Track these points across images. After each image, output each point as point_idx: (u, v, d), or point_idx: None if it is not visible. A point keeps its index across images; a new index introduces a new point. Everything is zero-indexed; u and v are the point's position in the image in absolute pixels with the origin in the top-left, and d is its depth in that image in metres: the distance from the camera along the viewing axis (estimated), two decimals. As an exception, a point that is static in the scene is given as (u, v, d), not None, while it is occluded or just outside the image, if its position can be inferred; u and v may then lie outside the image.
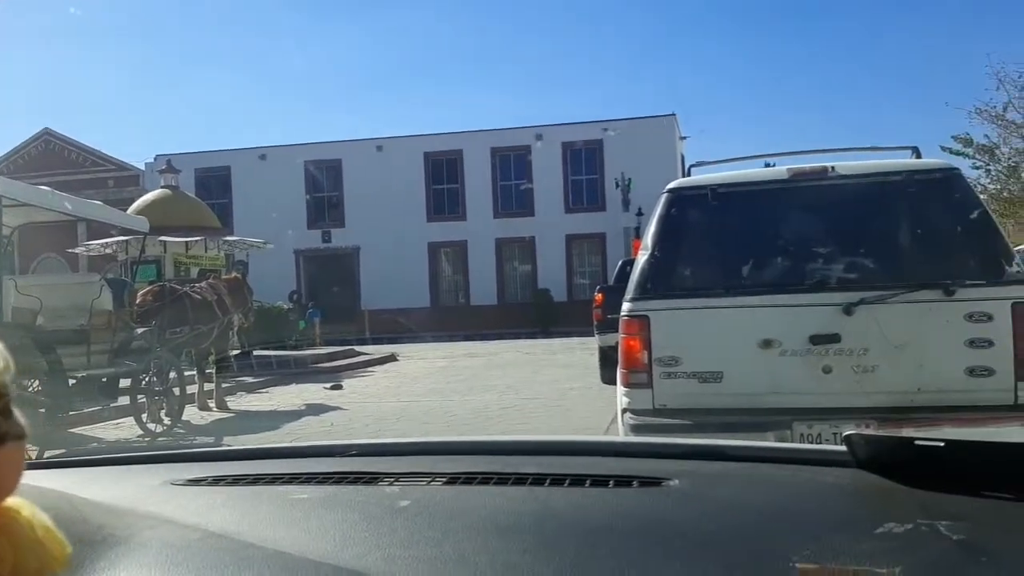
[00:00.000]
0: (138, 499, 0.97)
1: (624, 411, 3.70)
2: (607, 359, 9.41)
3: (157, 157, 26.63)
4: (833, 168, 3.75)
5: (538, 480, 1.05)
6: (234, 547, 0.78)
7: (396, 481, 1.07)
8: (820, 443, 3.24)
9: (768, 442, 1.85)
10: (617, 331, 3.88)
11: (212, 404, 9.99)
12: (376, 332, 25.75)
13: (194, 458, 1.39)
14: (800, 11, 52.37)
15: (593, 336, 10.84)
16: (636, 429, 3.56)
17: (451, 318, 27.24)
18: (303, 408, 9.99)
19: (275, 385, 12.90)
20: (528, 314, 26.73)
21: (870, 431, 1.15)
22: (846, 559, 0.76)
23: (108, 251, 15.99)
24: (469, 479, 1.06)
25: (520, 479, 1.05)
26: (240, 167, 30.64)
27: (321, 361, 16.35)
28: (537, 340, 20.10)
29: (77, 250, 16.72)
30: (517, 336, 21.41)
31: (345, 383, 12.49)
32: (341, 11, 59.55)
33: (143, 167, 29.75)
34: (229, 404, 10.29)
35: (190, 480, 1.11)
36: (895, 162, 3.96)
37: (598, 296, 10.38)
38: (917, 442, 0.99)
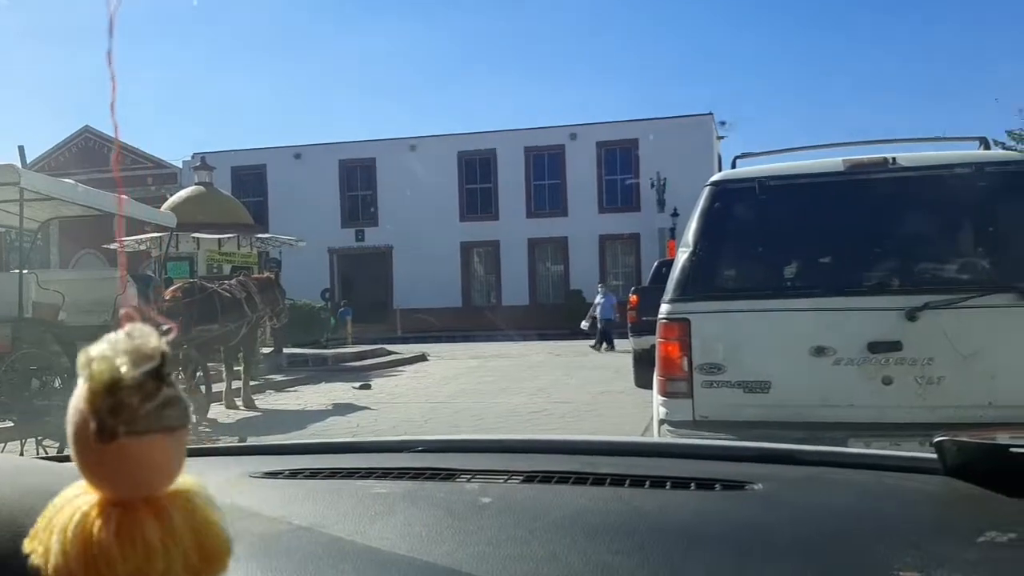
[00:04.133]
0: (220, 491, 0.89)
1: (661, 422, 3.43)
2: (641, 362, 9.15)
3: (194, 155, 26.88)
4: (894, 159, 3.43)
5: (617, 480, 1.04)
6: (325, 540, 0.77)
7: (474, 478, 1.07)
8: None
9: (847, 448, 1.72)
10: (653, 333, 3.61)
11: (239, 402, 9.89)
12: (407, 331, 25.69)
13: (264, 451, 1.42)
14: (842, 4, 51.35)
15: (626, 338, 10.58)
16: None
17: (482, 318, 27.04)
18: (330, 408, 9.85)
19: (304, 384, 12.80)
20: (560, 315, 26.44)
21: (962, 437, 1.05)
22: (951, 567, 0.75)
23: (143, 248, 16.10)
24: (547, 477, 1.06)
25: (599, 479, 1.05)
26: (275, 165, 30.83)
27: (351, 360, 16.26)
28: (569, 341, 19.79)
29: (112, 246, 16.85)
30: (548, 337, 21.13)
31: (374, 383, 12.35)
32: (373, 11, 59.89)
33: (181, 165, 30.07)
34: (257, 402, 10.20)
35: (267, 473, 1.11)
36: (963, 153, 3.63)
37: (633, 298, 10.10)
38: (1012, 449, 0.97)
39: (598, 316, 18.64)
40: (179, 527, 0.34)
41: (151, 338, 0.34)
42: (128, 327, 0.34)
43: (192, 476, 0.37)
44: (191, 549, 0.34)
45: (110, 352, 0.33)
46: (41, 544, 0.34)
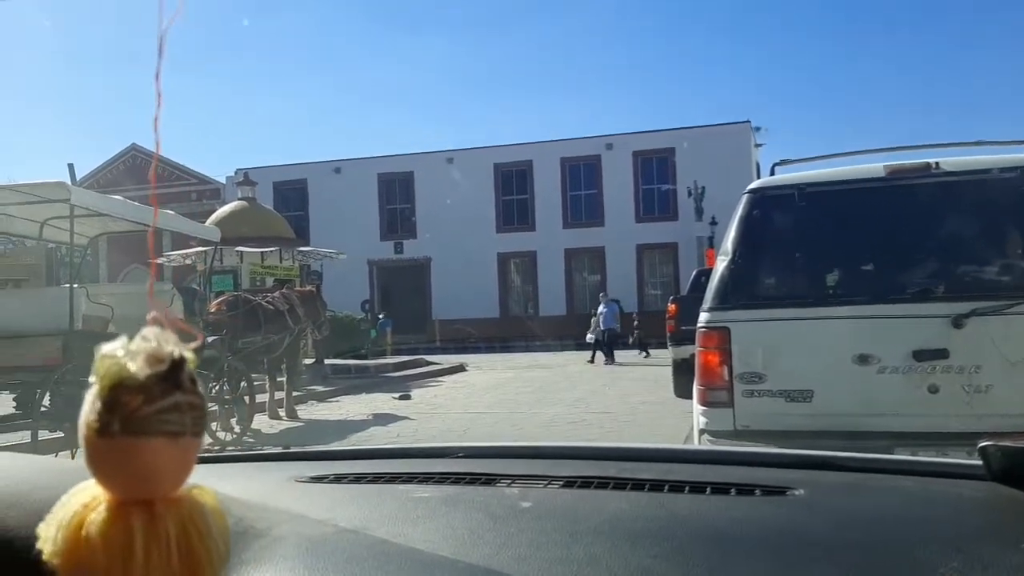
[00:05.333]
0: (268, 495, 0.98)
1: (702, 432, 3.39)
2: (680, 371, 9.06)
3: (237, 171, 27.42)
4: (937, 164, 3.37)
5: (656, 486, 1.04)
6: (369, 542, 0.78)
7: (513, 483, 1.08)
8: None
9: (890, 455, 1.70)
10: (692, 342, 3.58)
11: (282, 413, 10.03)
12: (446, 342, 25.82)
13: (309, 457, 1.44)
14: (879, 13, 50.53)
15: (665, 348, 10.49)
16: None
17: (520, 328, 27.07)
18: (370, 418, 9.94)
19: (345, 394, 12.94)
20: (599, 325, 26.33)
21: (1007, 442, 1.03)
22: (996, 572, 0.74)
23: (188, 262, 16.43)
24: (586, 483, 1.07)
25: (638, 484, 1.05)
26: (316, 180, 31.30)
27: (391, 371, 16.40)
28: (607, 352, 19.69)
29: (159, 260, 17.23)
30: (586, 347, 21.05)
31: (414, 393, 12.43)
32: (408, 30, 60.61)
33: (224, 181, 30.69)
34: (299, 413, 10.33)
35: (313, 477, 1.13)
36: (1009, 157, 3.54)
37: (671, 307, 10.00)
38: None
39: (600, 326, 18.49)
40: (166, 534, 0.34)
41: (168, 342, 0.34)
42: (147, 330, 0.34)
43: (205, 486, 0.36)
44: (175, 557, 0.34)
45: (120, 352, 0.33)
46: (47, 533, 0.35)
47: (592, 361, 17.88)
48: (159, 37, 0.38)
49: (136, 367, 0.33)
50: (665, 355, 11.30)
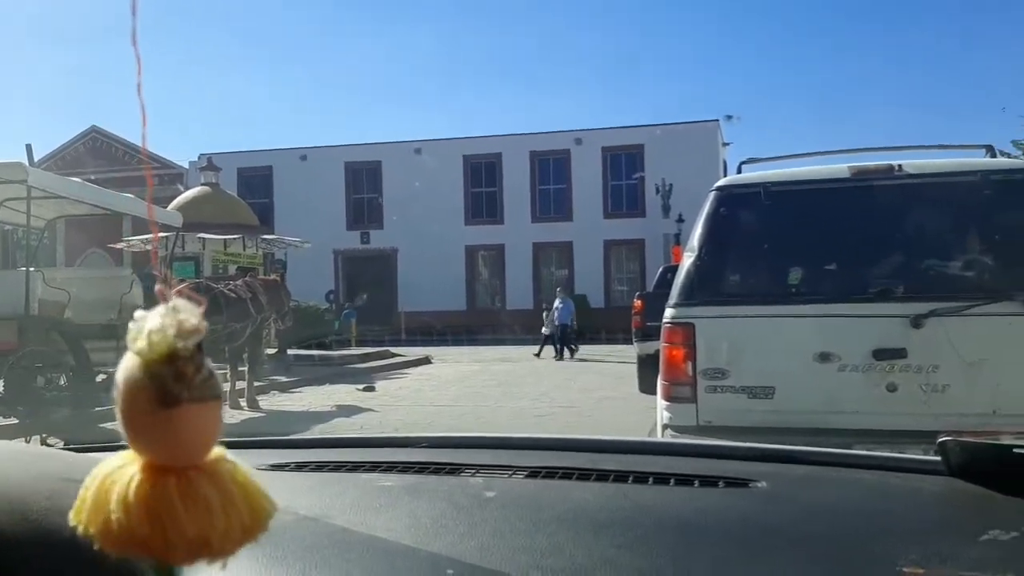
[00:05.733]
0: None
1: (665, 427, 3.42)
2: (645, 367, 9.14)
3: (200, 155, 26.95)
4: (900, 166, 3.43)
5: (620, 477, 1.04)
6: (330, 530, 0.78)
7: (478, 472, 1.08)
8: None
9: (852, 450, 1.73)
10: (657, 339, 3.61)
11: (243, 403, 9.89)
12: (412, 333, 25.71)
13: (270, 445, 1.43)
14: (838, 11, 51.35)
15: (630, 344, 10.57)
16: None
17: (487, 321, 27.05)
18: (334, 409, 9.85)
19: (308, 385, 12.80)
20: (564, 319, 26.39)
21: (965, 438, 1.07)
22: (955, 565, 0.75)
23: (148, 247, 16.10)
24: (550, 473, 1.07)
25: (602, 475, 1.05)
26: (282, 167, 30.89)
27: (356, 362, 16.27)
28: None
29: (119, 245, 16.87)
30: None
31: (378, 385, 12.34)
32: (383, 16, 60.13)
33: (187, 166, 30.15)
34: (261, 403, 10.19)
35: (273, 465, 1.12)
36: (969, 160, 3.63)
37: (637, 303, 10.09)
38: (1016, 450, 0.98)
39: (555, 321, 18.39)
40: (231, 489, 0.35)
41: (193, 314, 0.35)
42: (173, 302, 0.35)
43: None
44: (245, 511, 0.35)
45: (163, 325, 0.34)
46: (93, 515, 0.34)
47: (559, 357, 17.94)
48: None
49: (180, 340, 0.34)
50: (628, 351, 11.39)
